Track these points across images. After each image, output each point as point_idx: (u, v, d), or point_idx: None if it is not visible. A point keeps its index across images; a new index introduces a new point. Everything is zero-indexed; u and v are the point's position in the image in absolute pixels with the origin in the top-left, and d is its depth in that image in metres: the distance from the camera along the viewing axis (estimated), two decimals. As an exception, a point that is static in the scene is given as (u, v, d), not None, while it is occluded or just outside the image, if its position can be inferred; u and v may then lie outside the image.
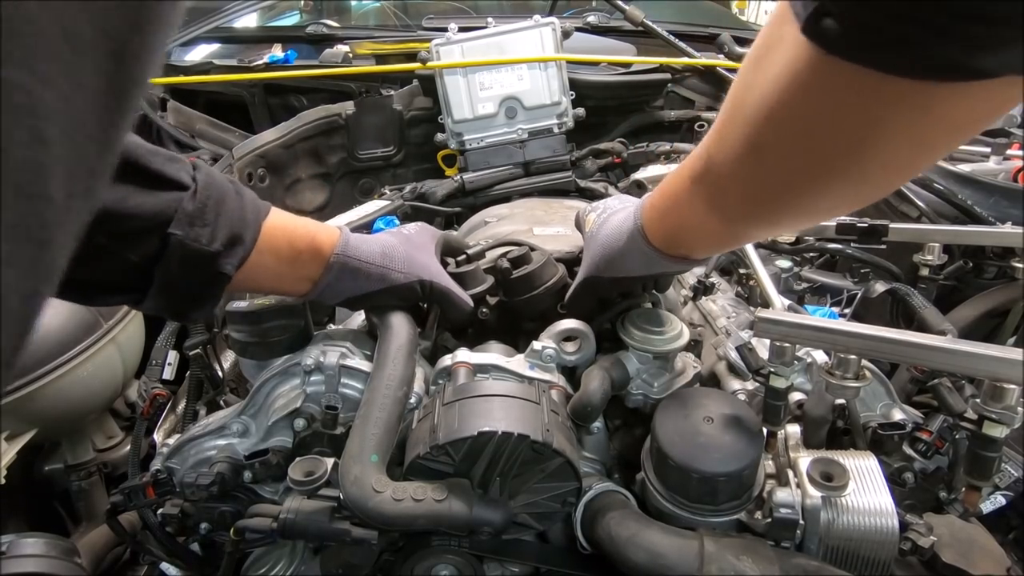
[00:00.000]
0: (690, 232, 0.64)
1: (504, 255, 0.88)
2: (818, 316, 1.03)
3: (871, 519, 0.65)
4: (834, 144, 0.42)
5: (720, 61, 1.62)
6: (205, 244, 0.62)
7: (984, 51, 0.31)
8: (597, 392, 0.75)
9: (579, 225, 0.88)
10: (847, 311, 1.16)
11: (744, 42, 1.64)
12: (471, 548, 0.72)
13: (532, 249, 0.90)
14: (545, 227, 1.15)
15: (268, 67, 1.92)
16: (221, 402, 1.00)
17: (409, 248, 0.80)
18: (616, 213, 0.76)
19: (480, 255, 0.95)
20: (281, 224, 0.72)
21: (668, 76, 1.70)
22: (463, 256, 0.92)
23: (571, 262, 0.92)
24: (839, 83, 0.37)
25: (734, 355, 0.84)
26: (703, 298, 1.08)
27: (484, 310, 0.89)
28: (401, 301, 0.80)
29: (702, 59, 1.65)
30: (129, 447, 1.20)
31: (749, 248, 1.10)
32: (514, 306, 0.88)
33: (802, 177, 0.46)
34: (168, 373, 1.09)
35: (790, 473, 0.69)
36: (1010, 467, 0.83)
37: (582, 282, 0.81)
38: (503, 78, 1.55)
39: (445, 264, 0.87)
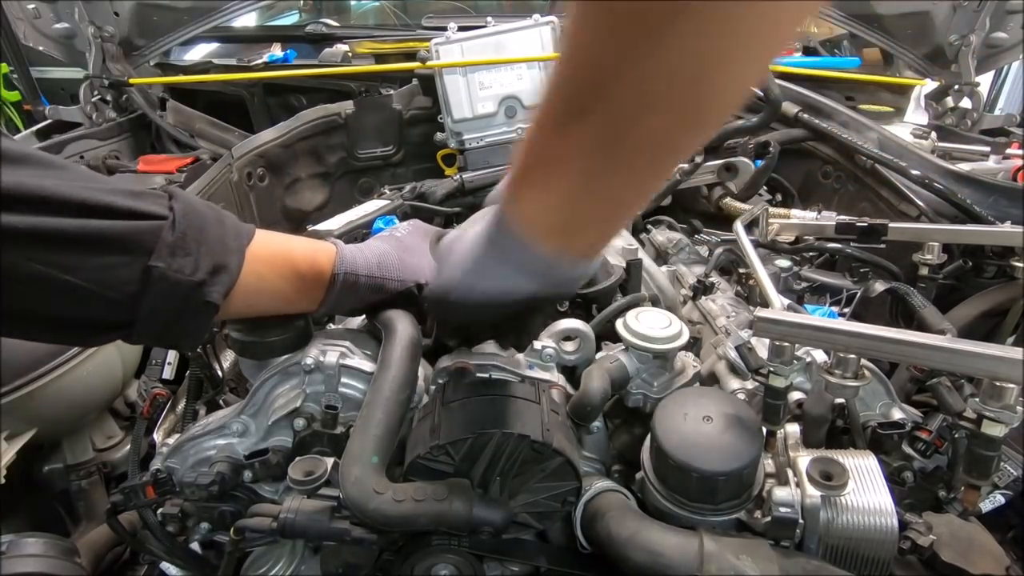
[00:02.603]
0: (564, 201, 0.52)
1: None
2: (817, 315, 1.03)
3: (870, 518, 0.65)
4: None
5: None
6: (188, 274, 0.60)
7: None
8: (597, 392, 0.75)
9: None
10: (846, 310, 1.16)
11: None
12: (471, 548, 0.72)
13: None
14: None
15: (267, 66, 1.92)
16: (221, 402, 1.00)
17: (402, 253, 0.79)
18: (472, 224, 0.67)
19: None
20: (279, 248, 0.72)
21: (667, 75, 1.69)
22: None
23: None
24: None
25: (733, 354, 0.84)
26: (703, 297, 1.08)
27: None
28: (399, 306, 0.80)
29: (702, 58, 1.65)
30: (129, 447, 1.20)
31: (749, 248, 1.10)
32: None
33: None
34: (168, 373, 1.09)
35: (790, 472, 0.69)
36: (1009, 466, 0.84)
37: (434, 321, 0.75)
38: (503, 77, 1.55)
39: None
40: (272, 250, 0.70)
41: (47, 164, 0.57)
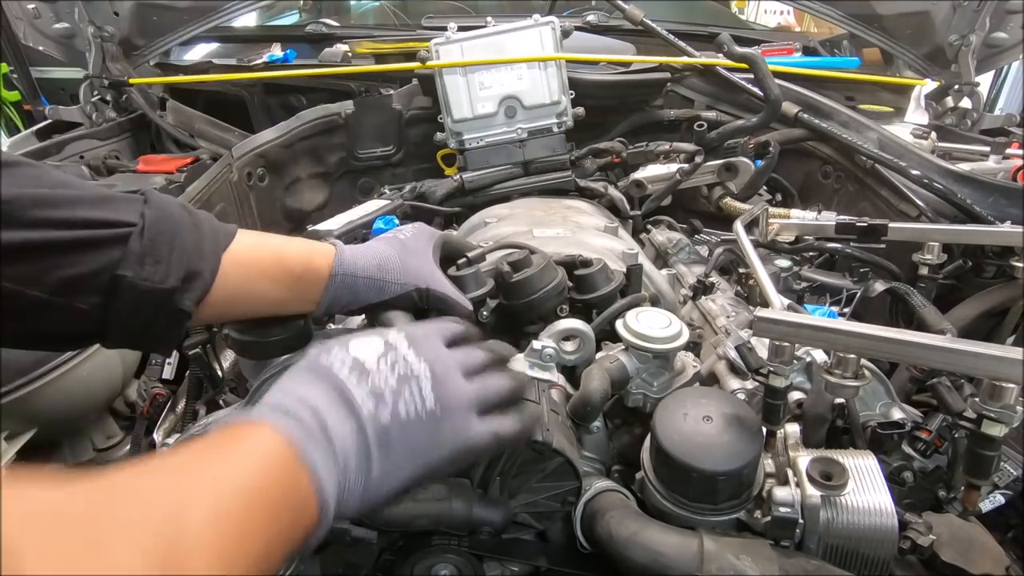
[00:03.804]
0: None
1: (505, 258, 0.88)
2: (817, 315, 1.03)
3: (870, 518, 0.65)
4: None
5: (720, 60, 1.62)
6: (158, 282, 0.59)
7: None
8: (597, 392, 0.75)
9: None
10: (846, 310, 1.16)
11: (744, 41, 1.63)
12: (471, 547, 0.73)
13: (532, 252, 0.90)
14: (545, 228, 1.15)
15: (267, 66, 1.91)
16: (221, 401, 1.00)
17: (405, 255, 0.78)
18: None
19: (481, 258, 0.95)
20: (268, 249, 0.71)
21: (667, 75, 1.69)
22: (463, 259, 0.92)
23: (571, 265, 0.92)
24: None
25: (733, 354, 0.84)
26: (703, 297, 1.08)
27: (484, 313, 0.89)
28: (399, 309, 0.79)
29: (702, 58, 1.65)
30: (129, 447, 1.20)
31: (749, 248, 1.10)
32: (514, 310, 0.88)
33: None
34: (168, 372, 1.09)
35: (789, 472, 0.69)
36: (1009, 466, 0.84)
37: None
38: (503, 77, 1.55)
39: (446, 267, 0.87)
40: (259, 252, 0.70)
41: (11, 166, 0.55)
